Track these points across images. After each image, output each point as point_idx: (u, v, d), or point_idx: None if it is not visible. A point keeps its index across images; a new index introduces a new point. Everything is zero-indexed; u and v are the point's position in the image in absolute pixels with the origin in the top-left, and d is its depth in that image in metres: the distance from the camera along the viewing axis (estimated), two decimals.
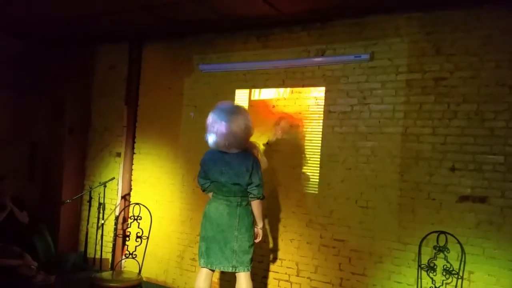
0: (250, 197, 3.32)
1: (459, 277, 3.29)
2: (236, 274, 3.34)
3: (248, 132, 3.24)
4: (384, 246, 3.70)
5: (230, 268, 3.29)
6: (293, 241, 4.16)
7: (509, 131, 3.27)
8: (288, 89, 4.30)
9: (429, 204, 3.53)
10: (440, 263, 3.37)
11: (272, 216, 4.27)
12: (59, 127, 5.47)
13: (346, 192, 3.90)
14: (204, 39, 4.79)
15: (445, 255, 3.35)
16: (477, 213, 3.36)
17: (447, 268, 3.33)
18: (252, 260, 3.34)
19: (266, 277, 4.27)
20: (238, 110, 3.30)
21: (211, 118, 3.25)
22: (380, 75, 3.78)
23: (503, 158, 3.28)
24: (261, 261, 4.30)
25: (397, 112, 3.70)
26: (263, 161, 3.91)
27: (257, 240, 3.45)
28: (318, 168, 4.05)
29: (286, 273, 4.18)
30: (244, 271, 3.29)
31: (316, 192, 4.05)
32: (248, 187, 3.28)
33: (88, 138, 5.61)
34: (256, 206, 3.35)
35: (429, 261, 3.41)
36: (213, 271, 3.40)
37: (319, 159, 4.06)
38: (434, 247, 3.40)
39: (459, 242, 3.32)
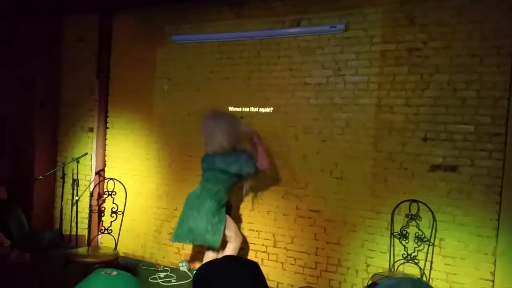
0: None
1: (430, 244, 3.41)
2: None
3: (229, 138, 3.66)
4: (357, 215, 3.77)
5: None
6: (270, 213, 4.19)
7: (480, 101, 3.33)
8: None
9: (401, 173, 3.60)
10: (412, 230, 3.47)
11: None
12: (30, 101, 5.27)
13: (321, 163, 3.93)
14: (176, 8, 4.63)
15: (417, 223, 3.46)
16: (448, 182, 3.45)
17: (419, 236, 3.44)
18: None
19: (243, 248, 4.31)
20: (223, 116, 3.78)
21: (204, 127, 3.75)
22: (354, 46, 3.76)
23: (474, 128, 3.35)
24: None
25: (371, 84, 3.71)
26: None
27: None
28: (294, 140, 4.06)
29: (263, 245, 4.23)
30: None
31: (293, 164, 4.07)
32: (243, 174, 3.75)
33: (59, 112, 5.45)
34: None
35: (402, 229, 3.51)
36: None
37: (295, 132, 4.06)
38: (406, 215, 3.49)
39: (430, 210, 3.42)
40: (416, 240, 3.44)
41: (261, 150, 3.77)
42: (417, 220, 3.45)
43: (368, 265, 3.74)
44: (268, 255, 4.20)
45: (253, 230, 4.28)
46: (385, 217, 3.63)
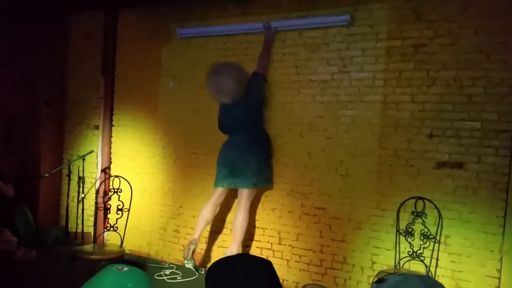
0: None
1: (436, 241, 3.39)
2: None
3: (238, 84, 3.82)
4: (363, 212, 3.76)
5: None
6: (275, 210, 4.19)
7: (486, 97, 3.31)
8: None
9: (407, 170, 3.58)
10: (417, 228, 3.46)
11: None
12: (35, 100, 5.31)
13: (326, 161, 3.92)
14: (181, 5, 4.64)
15: (422, 220, 3.44)
16: (454, 179, 3.43)
17: (425, 233, 3.42)
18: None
19: (248, 246, 4.32)
20: (225, 67, 3.90)
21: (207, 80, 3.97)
22: (360, 42, 3.74)
23: (480, 124, 3.33)
24: None
25: (377, 80, 3.69)
26: None
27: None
28: (299, 138, 4.05)
29: (268, 242, 4.23)
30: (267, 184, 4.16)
31: (298, 162, 4.06)
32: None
33: (65, 110, 5.48)
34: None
35: (407, 226, 3.49)
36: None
37: (300, 129, 4.05)
38: (412, 213, 3.48)
39: (436, 207, 3.40)
40: (421, 238, 3.43)
41: (264, 58, 4.05)
42: (423, 218, 3.44)
43: (373, 263, 3.73)
44: (273, 252, 4.20)
45: (258, 227, 4.27)
46: (391, 214, 3.62)
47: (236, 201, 4.24)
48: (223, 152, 4.09)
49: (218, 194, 4.10)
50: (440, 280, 3.43)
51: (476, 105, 3.35)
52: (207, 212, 4.08)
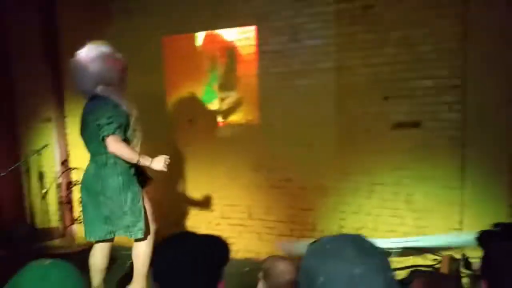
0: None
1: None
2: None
3: (100, 63, 2.83)
4: (327, 179, 3.78)
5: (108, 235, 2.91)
6: (243, 186, 4.17)
7: (436, 54, 3.29)
8: None
9: (365, 134, 3.58)
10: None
11: (220, 164, 4.23)
12: None
13: (287, 132, 3.88)
14: None
15: None
16: (411, 138, 3.45)
17: None
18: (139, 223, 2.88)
19: (219, 224, 4.32)
20: (95, 45, 2.93)
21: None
22: (307, 8, 3.63)
23: (432, 82, 3.32)
24: (213, 210, 4.32)
25: (328, 46, 3.61)
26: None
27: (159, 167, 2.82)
28: (258, 111, 3.98)
29: (239, 218, 4.23)
30: (131, 237, 2.92)
31: (260, 136, 4.01)
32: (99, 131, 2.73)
33: (15, 104, 5.19)
34: (113, 148, 2.73)
35: None
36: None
37: (258, 102, 3.98)
38: None
39: None
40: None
41: None
42: None
43: (341, 227, 3.79)
44: (245, 227, 4.21)
45: (228, 205, 4.26)
46: (354, 178, 3.66)
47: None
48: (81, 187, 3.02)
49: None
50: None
51: (427, 63, 3.33)
52: (97, 259, 3.06)
